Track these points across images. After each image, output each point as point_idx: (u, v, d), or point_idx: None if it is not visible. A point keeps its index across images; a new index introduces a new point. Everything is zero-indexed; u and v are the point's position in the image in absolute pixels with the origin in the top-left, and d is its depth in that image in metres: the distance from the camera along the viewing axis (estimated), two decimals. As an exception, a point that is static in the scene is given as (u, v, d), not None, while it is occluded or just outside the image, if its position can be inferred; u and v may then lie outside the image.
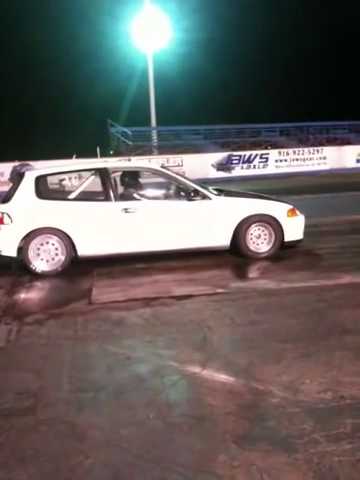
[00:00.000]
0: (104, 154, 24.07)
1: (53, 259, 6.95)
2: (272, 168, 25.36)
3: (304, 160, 25.99)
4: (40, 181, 7.19)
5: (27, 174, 7.28)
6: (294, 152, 26.02)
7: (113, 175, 7.43)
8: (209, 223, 7.21)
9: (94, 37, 35.13)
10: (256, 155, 25.46)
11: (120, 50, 31.26)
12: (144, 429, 3.06)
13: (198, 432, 2.99)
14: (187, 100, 35.82)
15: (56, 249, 6.95)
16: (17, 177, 7.58)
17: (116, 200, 7.12)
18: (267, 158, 25.51)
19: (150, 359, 4.05)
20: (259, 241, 7.30)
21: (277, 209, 7.36)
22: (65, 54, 36.27)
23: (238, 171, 24.81)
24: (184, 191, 7.28)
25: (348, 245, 7.94)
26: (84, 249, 7.01)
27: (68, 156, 21.66)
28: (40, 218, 6.96)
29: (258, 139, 29.09)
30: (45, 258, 6.94)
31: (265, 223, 7.27)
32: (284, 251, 7.35)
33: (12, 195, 7.07)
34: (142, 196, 7.61)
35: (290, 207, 7.43)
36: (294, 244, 7.46)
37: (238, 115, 29.70)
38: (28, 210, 6.99)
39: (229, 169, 24.79)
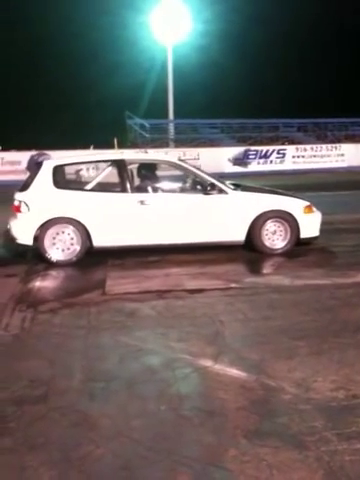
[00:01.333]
0: (121, 146, 24.09)
1: (68, 249, 6.99)
2: (289, 164, 25.17)
3: (322, 156, 25.75)
4: (58, 171, 7.22)
5: (45, 163, 7.31)
6: (312, 148, 25.79)
7: (130, 167, 7.43)
8: (225, 217, 7.18)
9: (114, 29, 35.08)
10: (273, 150, 25.27)
11: (140, 42, 31.19)
12: (155, 421, 3.07)
13: (209, 426, 2.99)
14: (206, 93, 35.68)
15: (72, 239, 6.98)
16: (35, 166, 7.62)
17: (132, 192, 7.13)
18: (284, 154, 25.31)
19: (162, 351, 4.06)
20: (274, 237, 7.26)
21: (293, 205, 7.31)
22: (85, 45, 36.29)
23: (254, 166, 24.66)
24: (201, 185, 7.26)
25: (364, 243, 7.87)
26: (99, 240, 7.03)
27: (86, 147, 21.74)
28: (57, 208, 6.99)
29: (275, 134, 28.88)
30: (60, 247, 6.98)
31: (281, 219, 7.23)
32: (299, 248, 7.31)
33: (30, 184, 7.11)
34: (158, 189, 7.61)
35: (307, 203, 7.37)
36: (310, 241, 7.41)
37: (256, 109, 29.51)
38: (45, 199, 7.03)
39: (245, 164, 24.65)
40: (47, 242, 6.93)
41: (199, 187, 7.29)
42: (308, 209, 7.33)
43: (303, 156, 25.53)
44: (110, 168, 7.41)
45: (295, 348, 4.03)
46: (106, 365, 3.87)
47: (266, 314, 4.83)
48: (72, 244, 6.99)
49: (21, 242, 7.07)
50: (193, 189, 7.43)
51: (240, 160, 24.68)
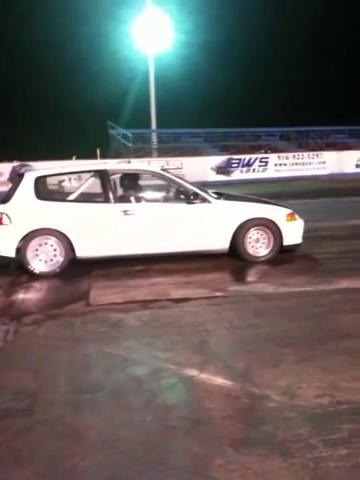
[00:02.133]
0: (104, 156, 24.09)
1: (51, 260, 6.95)
2: (271, 172, 25.40)
3: (303, 164, 26.04)
4: (40, 182, 7.19)
5: (27, 175, 7.28)
6: (294, 156, 26.07)
7: (113, 177, 7.43)
8: (208, 226, 7.21)
9: (95, 39, 35.21)
10: (256, 159, 25.50)
11: (122, 52, 31.31)
12: (141, 431, 3.06)
13: (195, 435, 2.99)
14: (189, 102, 35.88)
15: (55, 250, 6.95)
16: (17, 177, 7.58)
17: (115, 202, 7.13)
18: (267, 162, 25.55)
19: (148, 361, 4.05)
20: (258, 245, 7.31)
21: (276, 213, 7.38)
22: (66, 55, 36.33)
23: (237, 175, 24.83)
24: (184, 194, 7.28)
25: (347, 250, 7.96)
26: (82, 251, 7.01)
27: (68, 157, 21.70)
28: (39, 219, 6.96)
29: (258, 143, 29.14)
30: (43, 259, 6.94)
31: (264, 227, 7.28)
32: (283, 255, 7.36)
33: (11, 195, 7.07)
34: (141, 198, 7.61)
35: (289, 211, 7.44)
36: (293, 248, 7.48)
37: (239, 118, 29.72)
38: (27, 211, 6.99)
39: (228, 172, 24.80)
40: (30, 254, 6.89)
41: (182, 196, 7.31)
42: (291, 217, 7.40)
43: (285, 164, 25.79)
44: (93, 178, 7.40)
45: (281, 355, 4.05)
46: (92, 376, 3.85)
47: (252, 322, 4.85)
48: (55, 255, 6.96)
49: (3, 254, 7.02)
50: (176, 198, 7.45)
51: (223, 169, 24.84)
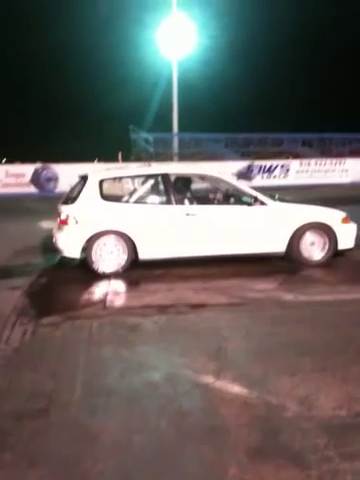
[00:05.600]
0: (125, 159, 24.22)
1: (115, 260, 7.04)
2: (293, 179, 25.20)
3: (325, 172, 25.78)
4: (103, 184, 7.29)
5: (91, 176, 7.37)
6: (316, 163, 25.84)
7: (173, 179, 7.56)
8: (267, 229, 7.26)
9: (120, 44, 35.52)
10: (277, 165, 25.35)
11: (146, 57, 31.47)
12: (156, 436, 3.04)
13: (210, 442, 2.97)
14: (211, 107, 35.93)
15: (118, 250, 7.03)
16: (80, 179, 7.67)
17: (177, 204, 7.21)
18: (288, 169, 25.37)
19: (163, 366, 4.04)
20: (312, 248, 7.32)
21: (332, 216, 7.38)
22: (91, 60, 36.70)
23: (258, 180, 24.69)
24: (242, 196, 7.37)
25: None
26: (145, 252, 7.09)
27: (90, 160, 21.88)
28: (104, 220, 7.07)
29: (280, 149, 28.96)
30: (107, 259, 7.02)
31: (320, 230, 7.28)
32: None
33: (75, 197, 7.18)
34: (201, 201, 7.68)
35: (344, 214, 7.43)
36: (344, 252, 7.48)
37: (261, 123, 29.66)
38: (93, 212, 7.09)
39: (249, 178, 24.69)
40: (94, 254, 6.98)
41: (241, 199, 7.39)
42: (345, 220, 7.40)
43: (307, 171, 25.57)
44: (154, 181, 7.52)
45: (298, 364, 4.00)
46: (107, 379, 3.85)
47: (269, 330, 4.81)
48: (118, 256, 7.04)
49: (68, 255, 7.16)
50: (235, 201, 7.49)
51: (244, 174, 24.72)
